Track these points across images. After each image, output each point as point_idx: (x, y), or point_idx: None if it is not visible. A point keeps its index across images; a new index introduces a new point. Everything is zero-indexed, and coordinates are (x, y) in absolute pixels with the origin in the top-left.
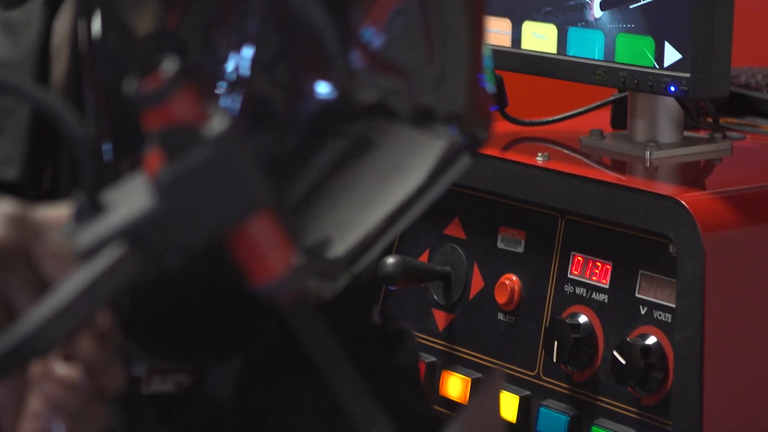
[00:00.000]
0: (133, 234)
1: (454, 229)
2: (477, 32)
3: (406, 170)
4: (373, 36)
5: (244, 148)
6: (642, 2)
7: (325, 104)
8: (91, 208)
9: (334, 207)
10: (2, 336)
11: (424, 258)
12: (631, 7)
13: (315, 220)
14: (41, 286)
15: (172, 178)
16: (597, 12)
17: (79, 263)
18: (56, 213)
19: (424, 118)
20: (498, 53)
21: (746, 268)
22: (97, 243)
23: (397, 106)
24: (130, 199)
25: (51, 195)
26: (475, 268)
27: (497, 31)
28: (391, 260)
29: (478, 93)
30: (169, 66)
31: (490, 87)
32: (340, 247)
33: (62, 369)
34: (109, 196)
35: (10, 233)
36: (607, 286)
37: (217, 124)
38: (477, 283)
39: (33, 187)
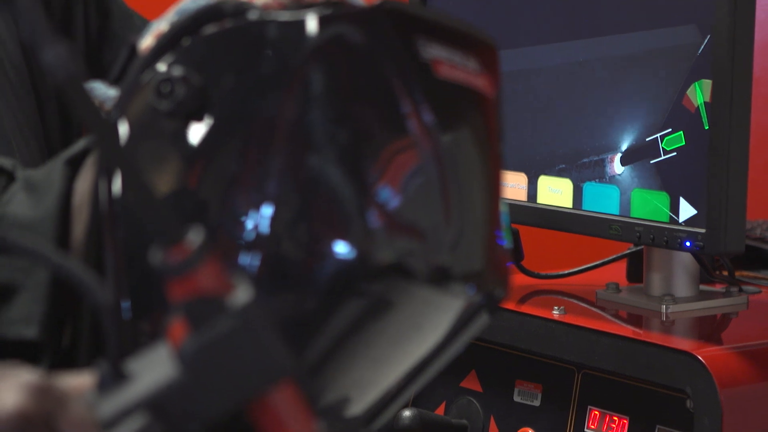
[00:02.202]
0: (156, 404)
1: (471, 382)
2: (494, 190)
3: (424, 329)
4: (389, 196)
5: (268, 318)
6: (662, 158)
7: (343, 264)
8: (114, 377)
9: (352, 366)
10: None
11: (440, 411)
12: (651, 162)
13: (334, 379)
14: None
15: (196, 348)
16: (618, 168)
17: None
18: (79, 381)
19: (441, 278)
20: (514, 207)
21: (764, 424)
22: (120, 413)
23: (414, 267)
24: (154, 368)
25: (70, 353)
26: (492, 422)
27: (513, 185)
28: (407, 413)
29: (496, 251)
30: (195, 237)
31: (507, 243)
32: (358, 406)
33: None
34: (132, 365)
35: (33, 403)
36: None
37: (241, 295)
38: None
39: (52, 346)
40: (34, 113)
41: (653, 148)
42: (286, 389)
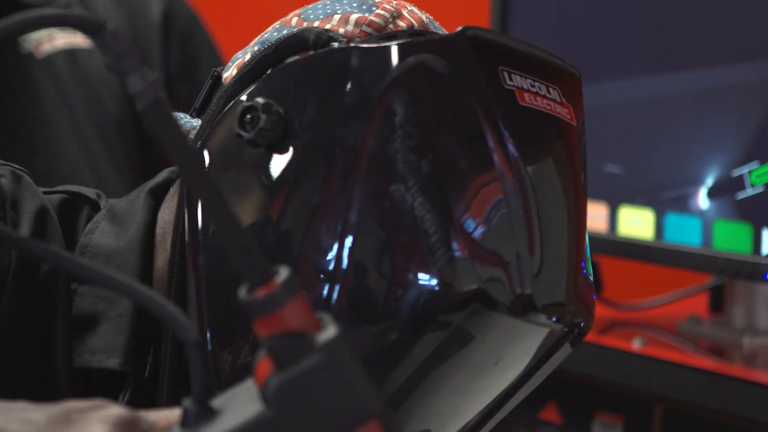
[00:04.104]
0: None
1: (550, 413)
2: (578, 221)
3: (506, 360)
4: (472, 225)
5: (353, 355)
6: (748, 190)
7: (426, 293)
8: (200, 413)
9: (434, 397)
10: None
11: None
12: (736, 195)
13: (415, 410)
14: None
15: (281, 385)
16: (703, 202)
17: None
18: (165, 416)
19: (524, 309)
20: (594, 238)
21: None
22: None
23: (496, 296)
24: (239, 405)
25: (152, 383)
26: None
27: (594, 216)
28: None
29: (580, 282)
30: (282, 276)
31: (591, 275)
32: None
33: None
34: (218, 401)
35: None
36: None
37: (327, 333)
38: None
39: (135, 375)
40: (136, 145)
41: (739, 182)
42: (370, 425)
